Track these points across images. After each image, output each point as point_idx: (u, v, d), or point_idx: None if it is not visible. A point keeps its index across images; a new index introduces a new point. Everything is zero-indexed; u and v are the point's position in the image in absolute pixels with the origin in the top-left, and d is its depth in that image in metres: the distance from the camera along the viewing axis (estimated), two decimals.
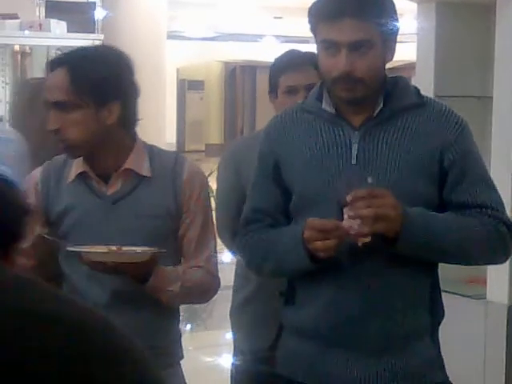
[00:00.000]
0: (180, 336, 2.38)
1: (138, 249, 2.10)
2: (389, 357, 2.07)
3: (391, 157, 2.06)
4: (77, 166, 2.25)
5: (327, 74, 2.05)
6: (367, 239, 1.94)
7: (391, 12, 2.05)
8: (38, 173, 2.32)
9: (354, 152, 2.07)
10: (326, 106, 2.11)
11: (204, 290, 2.34)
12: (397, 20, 2.07)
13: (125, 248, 2.08)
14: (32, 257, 2.17)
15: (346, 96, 2.07)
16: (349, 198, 1.93)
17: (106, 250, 2.07)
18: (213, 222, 2.39)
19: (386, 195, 1.95)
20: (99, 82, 2.14)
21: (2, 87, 7.66)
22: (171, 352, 2.33)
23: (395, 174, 2.05)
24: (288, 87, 2.81)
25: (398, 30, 2.08)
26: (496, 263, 2.22)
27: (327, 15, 2.01)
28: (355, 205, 1.93)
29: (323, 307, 2.10)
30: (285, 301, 2.26)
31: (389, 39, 2.05)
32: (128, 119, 2.23)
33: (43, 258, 2.19)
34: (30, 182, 2.31)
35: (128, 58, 2.27)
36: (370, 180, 2.02)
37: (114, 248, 2.08)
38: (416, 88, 2.17)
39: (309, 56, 2.74)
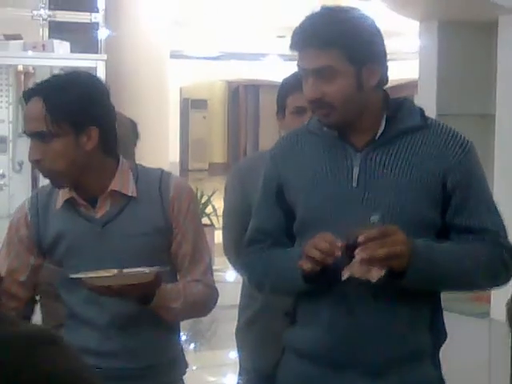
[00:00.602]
0: (182, 351, 2.38)
1: (141, 269, 2.09)
2: (386, 379, 2.06)
3: (392, 179, 2.06)
4: (63, 193, 2.25)
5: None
6: (382, 274, 1.93)
7: (365, 38, 2.04)
8: (26, 204, 2.33)
9: (355, 174, 2.07)
10: (327, 128, 2.12)
11: (204, 303, 2.35)
12: (377, 44, 2.06)
13: (126, 270, 2.08)
14: (30, 288, 2.19)
15: (323, 121, 2.11)
16: (361, 238, 1.91)
17: (109, 274, 2.06)
18: (205, 235, 2.38)
19: (396, 232, 1.94)
20: (74, 109, 2.14)
21: (6, 107, 7.69)
22: (172, 369, 2.34)
23: (396, 197, 2.04)
24: (296, 108, 2.82)
25: (380, 54, 2.07)
26: (498, 287, 2.20)
27: (294, 45, 2.07)
28: (367, 246, 1.91)
29: (321, 329, 2.09)
30: (292, 319, 2.25)
31: (366, 65, 2.03)
32: (107, 142, 2.22)
33: (44, 288, 2.20)
34: (19, 214, 2.33)
35: (101, 81, 2.28)
36: (373, 218, 2.00)
37: (115, 271, 2.07)
38: (421, 109, 2.16)
39: None
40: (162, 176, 2.31)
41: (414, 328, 2.07)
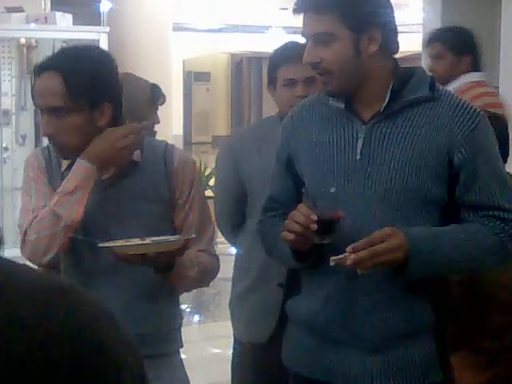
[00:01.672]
0: (180, 325, 2.40)
1: (166, 237, 2.12)
2: (385, 354, 2.06)
3: (395, 153, 2.03)
4: None
5: None
6: (366, 271, 1.93)
7: (366, 4, 2.02)
8: (39, 154, 2.32)
9: (359, 147, 2.05)
10: (334, 99, 2.10)
11: (211, 273, 2.38)
12: (381, 12, 2.04)
13: (148, 239, 2.09)
14: None
15: (323, 89, 2.10)
16: (348, 249, 1.91)
17: (140, 242, 2.08)
18: (208, 206, 2.41)
19: (388, 237, 1.92)
20: (93, 85, 2.15)
21: (9, 80, 7.67)
22: (170, 341, 2.36)
23: (398, 171, 2.02)
24: (286, 80, 2.79)
25: (383, 22, 2.04)
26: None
27: (295, 9, 2.07)
28: (358, 255, 1.90)
29: (320, 302, 2.10)
30: (289, 291, 2.26)
31: (366, 31, 2.01)
32: (118, 118, 2.26)
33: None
34: (34, 163, 2.31)
35: (112, 56, 2.28)
36: (332, 190, 2.00)
37: (138, 241, 2.09)
38: (432, 80, 2.11)
39: None
40: (166, 147, 2.34)
41: (414, 305, 2.06)
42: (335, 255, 1.94)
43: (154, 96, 3.91)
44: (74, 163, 2.24)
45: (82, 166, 2.15)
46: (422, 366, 2.08)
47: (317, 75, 2.10)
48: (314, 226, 1.93)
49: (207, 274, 2.35)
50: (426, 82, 2.08)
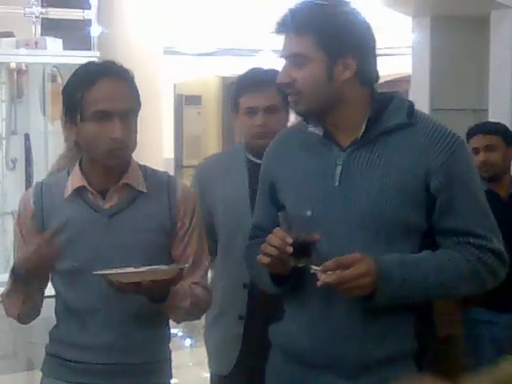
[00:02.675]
0: (170, 356, 2.38)
1: (160, 266, 2.12)
2: (366, 380, 2.03)
3: (374, 180, 2.02)
4: (74, 181, 2.26)
5: None
6: (330, 279, 1.92)
7: (345, 29, 2.02)
8: (30, 193, 2.33)
9: (338, 173, 2.05)
10: (313, 127, 2.10)
11: (203, 306, 2.37)
12: (360, 39, 2.03)
13: (143, 268, 2.08)
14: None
15: (293, 109, 2.11)
16: (316, 269, 1.92)
17: (134, 270, 2.07)
18: (205, 238, 2.40)
19: (355, 263, 1.92)
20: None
21: None
22: (161, 371, 2.33)
23: (377, 198, 2.00)
24: (247, 108, 2.77)
25: (361, 49, 2.03)
26: (488, 289, 2.15)
27: (277, 30, 2.08)
28: (325, 278, 1.91)
29: (301, 328, 2.09)
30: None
31: (342, 57, 2.01)
32: None
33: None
34: (23, 202, 2.32)
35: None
36: (308, 213, 1.99)
37: (132, 269, 2.08)
38: (411, 105, 2.10)
39: (271, 75, 2.62)
40: (169, 178, 2.35)
41: (395, 331, 2.03)
42: (316, 272, 1.94)
43: None
44: (78, 190, 2.24)
45: (13, 272, 2.18)
46: None
47: (289, 95, 2.10)
48: (290, 249, 1.93)
49: (199, 307, 2.34)
50: (403, 108, 2.08)
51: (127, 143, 2.19)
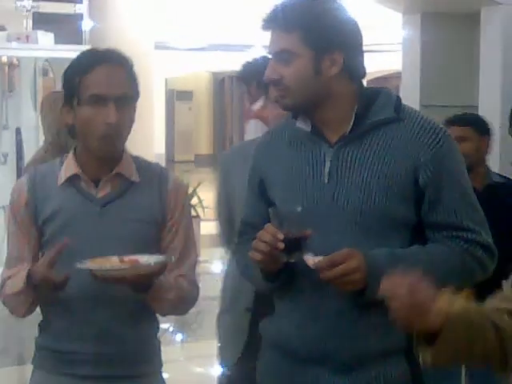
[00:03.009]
0: (159, 346, 2.39)
1: (146, 257, 2.12)
2: (358, 375, 2.05)
3: (363, 175, 2.03)
4: (67, 169, 2.27)
5: None
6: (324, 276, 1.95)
7: (330, 25, 2.03)
8: (24, 181, 2.33)
9: (327, 170, 2.06)
10: (301, 123, 2.11)
11: (189, 300, 2.37)
12: (347, 35, 2.04)
13: (127, 257, 2.10)
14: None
15: (279, 104, 2.12)
16: (311, 264, 1.93)
17: (117, 264, 2.09)
18: (194, 231, 2.41)
19: (347, 259, 1.93)
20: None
21: None
22: (151, 361, 2.34)
23: (366, 194, 2.02)
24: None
25: (348, 44, 2.05)
26: (477, 281, 2.16)
27: (263, 26, 2.09)
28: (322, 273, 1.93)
29: (295, 323, 2.09)
30: (258, 314, 2.27)
31: (328, 52, 2.02)
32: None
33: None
34: (17, 190, 2.33)
35: None
36: (298, 209, 1.99)
37: (114, 258, 2.10)
38: (398, 100, 2.11)
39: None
40: (161, 169, 2.37)
41: (385, 326, 1.98)
42: (310, 267, 1.95)
43: None
44: (72, 178, 2.25)
45: (26, 275, 2.17)
46: None
47: (276, 91, 2.11)
48: (281, 245, 1.94)
49: (184, 300, 2.34)
50: (391, 103, 2.09)
51: (121, 129, 2.20)
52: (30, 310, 2.27)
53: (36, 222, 2.27)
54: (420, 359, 1.74)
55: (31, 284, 2.16)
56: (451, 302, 1.64)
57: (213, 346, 3.10)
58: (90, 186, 2.26)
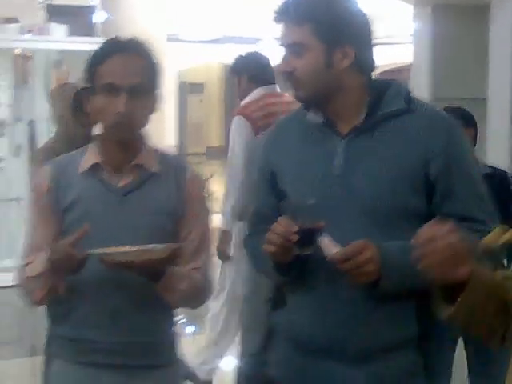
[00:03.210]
0: (176, 337, 2.38)
1: (156, 245, 2.12)
2: (369, 366, 2.05)
3: (374, 167, 2.03)
4: (90, 158, 2.29)
5: None
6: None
7: (342, 18, 2.04)
8: (47, 167, 2.34)
9: (338, 161, 2.06)
10: (312, 115, 2.12)
11: (202, 294, 2.37)
12: (358, 28, 2.06)
13: (138, 247, 2.10)
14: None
15: (294, 96, 2.13)
16: (329, 257, 1.94)
17: (127, 250, 2.09)
18: (210, 227, 2.39)
19: (361, 251, 1.94)
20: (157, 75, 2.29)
21: (4, 91, 7.68)
22: (170, 350, 2.35)
23: (378, 185, 2.02)
24: None
25: (359, 37, 2.06)
26: None
27: (275, 19, 2.10)
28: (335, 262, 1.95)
29: (305, 315, 2.10)
30: (273, 305, 2.25)
31: (340, 45, 2.03)
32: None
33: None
34: (40, 177, 2.34)
35: None
36: (310, 202, 1.99)
37: (126, 248, 2.10)
38: (408, 92, 2.12)
39: None
40: (179, 161, 2.38)
41: (397, 316, 2.05)
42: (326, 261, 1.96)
43: (80, 100, 3.98)
44: (94, 167, 2.27)
45: (47, 256, 2.16)
46: (407, 377, 2.08)
47: (289, 83, 2.12)
48: (295, 237, 1.95)
49: (197, 293, 2.33)
50: (401, 94, 2.09)
51: (131, 119, 2.20)
52: (48, 297, 2.25)
53: (57, 210, 2.27)
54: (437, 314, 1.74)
55: (51, 266, 2.15)
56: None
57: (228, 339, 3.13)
58: (111, 176, 2.27)
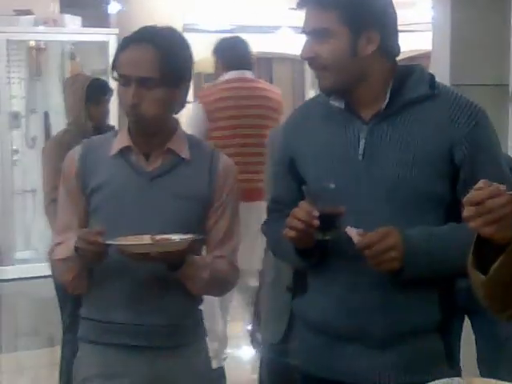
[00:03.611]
0: (201, 316, 2.40)
1: (177, 237, 2.14)
2: (392, 351, 2.05)
3: (398, 152, 2.01)
4: (120, 141, 2.30)
5: None
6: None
7: (368, 3, 2.03)
8: (77, 150, 2.35)
9: (361, 147, 2.04)
10: (335, 99, 2.10)
11: (227, 282, 2.39)
12: (383, 13, 2.03)
13: (159, 237, 2.12)
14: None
15: (319, 86, 2.09)
16: (355, 238, 1.92)
17: (147, 242, 2.11)
18: (239, 216, 2.40)
19: (384, 237, 1.92)
20: (185, 61, 2.30)
21: (18, 83, 7.69)
22: (193, 332, 2.36)
23: (402, 171, 2.00)
24: None
25: (384, 23, 2.03)
26: None
27: (298, 4, 2.07)
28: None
29: (328, 300, 2.09)
30: (296, 291, 2.26)
31: (365, 31, 2.00)
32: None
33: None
34: (69, 159, 2.35)
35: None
36: (331, 185, 1.97)
37: (147, 237, 2.12)
38: (432, 77, 2.09)
39: None
40: (213, 149, 2.39)
41: (420, 302, 2.04)
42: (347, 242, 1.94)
43: (91, 92, 4.00)
44: (123, 151, 2.27)
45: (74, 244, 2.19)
46: (430, 363, 2.07)
47: (314, 70, 2.09)
48: (316, 222, 1.93)
49: (220, 281, 2.36)
50: (425, 79, 2.07)
51: (142, 110, 2.19)
52: (77, 281, 2.29)
53: (84, 192, 2.29)
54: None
55: (76, 252, 2.18)
56: None
57: (241, 327, 3.10)
58: (141, 160, 2.27)
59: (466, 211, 1.63)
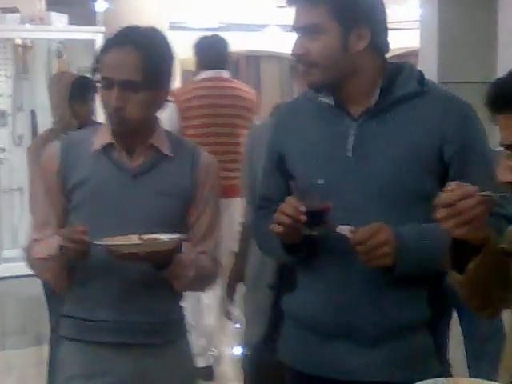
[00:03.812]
0: (183, 314, 2.39)
1: (164, 236, 2.14)
2: (383, 347, 2.04)
3: (387, 149, 2.01)
4: (102, 138, 2.28)
5: None
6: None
7: (357, 2, 2.01)
8: (57, 145, 2.33)
9: (350, 144, 2.04)
10: (324, 96, 2.09)
11: (210, 277, 2.39)
12: (373, 10, 2.03)
13: (146, 236, 2.12)
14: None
15: (307, 82, 2.09)
16: (348, 235, 1.91)
17: (135, 241, 2.11)
18: (220, 212, 2.41)
19: (377, 233, 1.92)
20: (168, 66, 2.25)
21: (5, 81, 7.66)
22: (178, 328, 2.36)
23: (391, 168, 2.00)
24: None
25: (374, 19, 2.03)
26: None
27: (289, 1, 2.05)
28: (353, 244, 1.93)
29: (317, 298, 2.09)
30: (281, 290, 2.25)
31: (356, 27, 2.00)
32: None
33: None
34: (49, 155, 2.33)
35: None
36: (320, 181, 1.97)
37: (134, 237, 2.12)
38: (421, 74, 2.10)
39: None
40: (194, 146, 2.38)
41: (409, 299, 2.04)
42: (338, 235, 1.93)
43: (76, 90, 4.00)
44: (106, 147, 2.25)
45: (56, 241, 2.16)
46: (420, 359, 2.07)
47: (302, 67, 2.08)
48: (303, 217, 1.93)
49: (204, 278, 2.36)
50: (414, 77, 2.07)
51: (124, 113, 2.18)
52: (57, 280, 2.28)
53: (65, 188, 2.26)
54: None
55: (60, 251, 2.15)
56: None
57: (229, 326, 3.10)
58: (123, 156, 2.26)
59: (438, 213, 1.65)
